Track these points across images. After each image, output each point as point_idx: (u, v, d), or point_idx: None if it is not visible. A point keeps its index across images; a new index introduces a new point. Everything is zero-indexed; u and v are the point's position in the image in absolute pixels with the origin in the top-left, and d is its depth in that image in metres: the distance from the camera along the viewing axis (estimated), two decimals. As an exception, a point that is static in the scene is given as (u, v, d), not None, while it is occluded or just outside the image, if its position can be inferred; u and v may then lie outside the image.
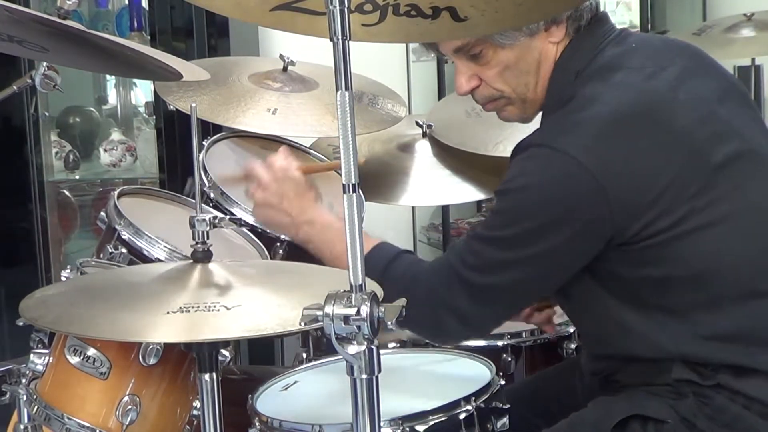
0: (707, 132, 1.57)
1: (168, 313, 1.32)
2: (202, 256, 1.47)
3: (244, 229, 2.07)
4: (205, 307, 1.34)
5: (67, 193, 3.67)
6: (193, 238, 1.47)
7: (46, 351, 1.68)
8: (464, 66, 1.69)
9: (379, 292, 1.12)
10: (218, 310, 1.33)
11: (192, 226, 1.47)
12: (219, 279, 1.44)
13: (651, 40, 1.81)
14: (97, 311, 1.40)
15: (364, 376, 1.07)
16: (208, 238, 1.48)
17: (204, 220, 1.46)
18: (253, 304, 1.38)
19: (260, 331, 1.28)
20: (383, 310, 1.06)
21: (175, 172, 3.09)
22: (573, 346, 2.05)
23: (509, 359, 2.02)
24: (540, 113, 1.72)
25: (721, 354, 1.56)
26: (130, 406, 1.60)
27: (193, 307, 1.33)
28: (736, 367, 1.56)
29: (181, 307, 1.33)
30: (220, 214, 1.60)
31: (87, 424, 1.60)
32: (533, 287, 1.66)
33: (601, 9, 1.71)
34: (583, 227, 1.54)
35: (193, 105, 1.49)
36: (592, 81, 1.61)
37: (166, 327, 1.31)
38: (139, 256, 1.89)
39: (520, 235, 1.57)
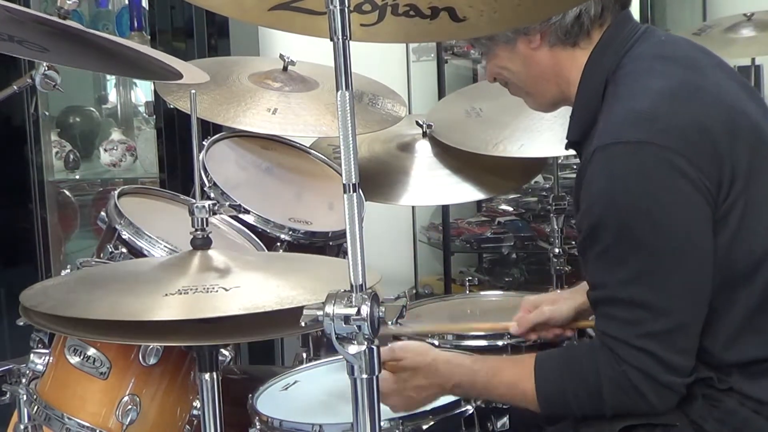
0: (748, 119, 1.54)
1: (166, 295, 1.31)
2: (201, 242, 1.46)
3: (244, 228, 2.07)
4: (204, 288, 1.33)
5: (67, 192, 3.67)
6: (192, 225, 1.47)
7: (46, 351, 1.68)
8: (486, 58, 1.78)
9: (379, 292, 1.12)
10: (216, 291, 1.32)
11: (191, 213, 1.46)
12: (218, 264, 1.43)
13: (675, 36, 1.79)
14: (96, 296, 1.40)
15: (365, 376, 1.07)
16: (207, 225, 1.47)
17: (203, 206, 1.46)
18: (251, 284, 1.38)
19: (258, 308, 1.27)
20: (383, 309, 1.06)
21: (175, 171, 3.10)
22: (573, 346, 2.04)
23: (509, 359, 2.02)
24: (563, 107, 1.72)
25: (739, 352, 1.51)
26: (130, 406, 1.60)
27: (191, 289, 1.33)
28: (752, 364, 1.53)
29: (179, 290, 1.32)
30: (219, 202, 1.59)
31: (87, 424, 1.60)
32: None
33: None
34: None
35: (193, 92, 1.49)
36: (627, 77, 1.58)
37: (164, 308, 1.30)
38: (139, 256, 1.89)
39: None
